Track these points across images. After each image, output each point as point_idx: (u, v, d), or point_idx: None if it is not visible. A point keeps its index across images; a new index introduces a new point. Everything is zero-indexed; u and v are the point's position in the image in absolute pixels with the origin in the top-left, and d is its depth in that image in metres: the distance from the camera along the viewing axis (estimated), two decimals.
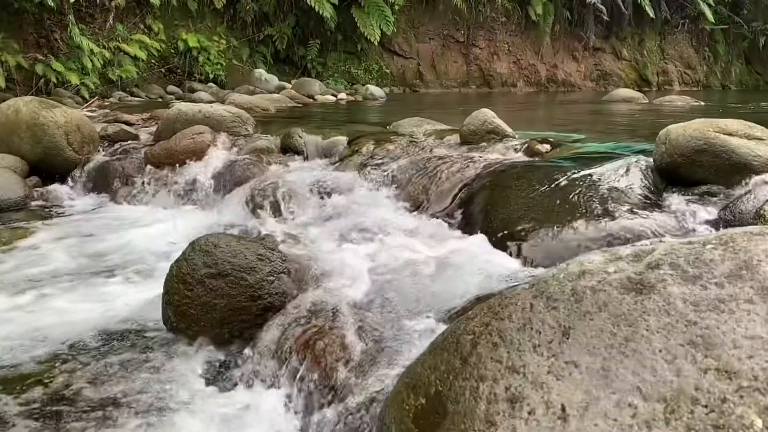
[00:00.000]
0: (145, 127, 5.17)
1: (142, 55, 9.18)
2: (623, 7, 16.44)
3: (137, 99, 8.69)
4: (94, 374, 1.78)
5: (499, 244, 2.31)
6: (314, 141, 4.01)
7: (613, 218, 2.21)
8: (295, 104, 8.15)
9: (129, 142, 4.59)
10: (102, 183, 4.10)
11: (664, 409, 0.98)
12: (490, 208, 2.53)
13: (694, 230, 2.15)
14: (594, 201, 2.34)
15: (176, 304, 1.94)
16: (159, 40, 9.69)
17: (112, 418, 1.57)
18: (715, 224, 2.13)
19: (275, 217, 3.18)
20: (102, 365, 1.84)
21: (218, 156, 3.93)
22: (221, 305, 1.90)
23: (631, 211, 2.24)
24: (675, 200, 2.32)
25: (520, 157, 3.15)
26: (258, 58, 11.46)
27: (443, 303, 1.83)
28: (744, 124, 2.37)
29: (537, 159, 3.08)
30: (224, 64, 10.49)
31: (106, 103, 7.82)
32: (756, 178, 2.24)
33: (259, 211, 3.25)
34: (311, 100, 9.34)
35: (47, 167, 4.18)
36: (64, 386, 1.72)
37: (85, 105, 7.49)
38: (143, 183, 3.95)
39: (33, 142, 4.11)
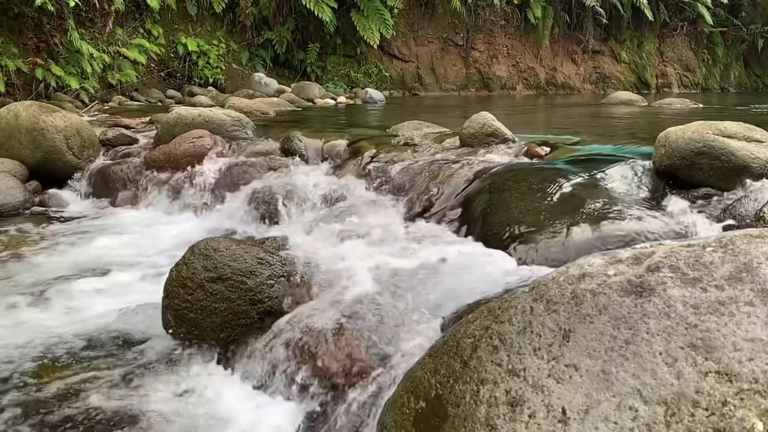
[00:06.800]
0: (145, 131, 5.17)
1: (142, 59, 9.19)
2: (622, 10, 16.47)
3: (137, 103, 8.70)
4: (93, 378, 1.78)
5: (499, 246, 2.30)
6: (314, 145, 4.01)
7: (613, 221, 2.21)
8: (295, 108, 8.16)
9: (129, 146, 4.60)
10: (102, 187, 4.10)
11: (665, 412, 0.98)
12: (489, 211, 2.52)
13: (693, 233, 2.15)
14: (594, 204, 2.34)
15: (176, 308, 1.94)
16: (158, 44, 9.71)
17: (111, 422, 1.57)
18: (714, 226, 2.13)
19: (275, 220, 3.18)
20: (102, 368, 1.84)
21: (218, 160, 3.93)
22: (221, 309, 1.90)
23: (630, 214, 2.24)
24: (674, 202, 2.32)
25: (519, 159, 3.15)
26: (257, 62, 11.48)
27: (443, 306, 1.83)
28: (743, 127, 2.37)
29: (536, 162, 3.08)
30: (224, 67, 10.50)
31: (106, 107, 7.82)
32: (755, 181, 2.24)
33: (258, 214, 3.25)
34: (310, 103, 9.35)
35: (47, 172, 4.18)
36: (61, 391, 1.71)
37: (85, 109, 7.50)
38: (143, 187, 3.95)
39: (33, 147, 4.12)
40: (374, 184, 3.31)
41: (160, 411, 1.62)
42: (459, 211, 2.72)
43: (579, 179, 2.55)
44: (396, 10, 12.25)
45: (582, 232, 2.19)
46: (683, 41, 19.42)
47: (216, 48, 10.48)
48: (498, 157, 3.21)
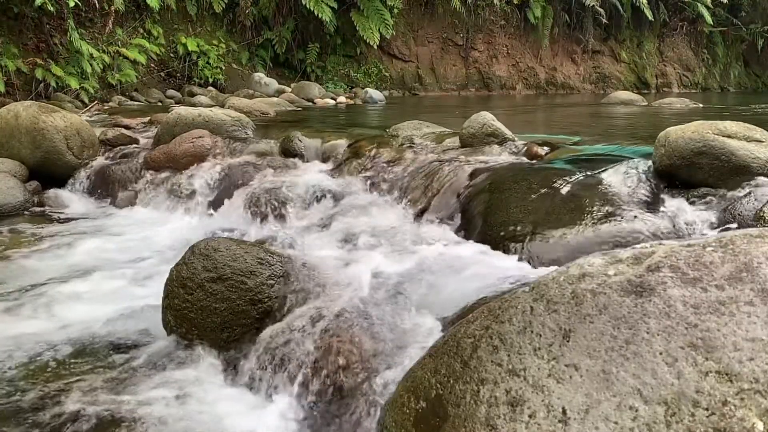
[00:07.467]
0: (145, 131, 5.17)
1: (142, 59, 9.19)
2: (622, 10, 16.47)
3: (137, 103, 8.70)
4: (93, 380, 1.78)
5: (499, 246, 2.31)
6: (314, 145, 4.01)
7: (613, 220, 2.21)
8: (295, 108, 8.16)
9: (129, 146, 4.60)
10: (102, 187, 4.10)
11: (665, 411, 0.98)
12: (489, 211, 2.53)
13: (693, 232, 2.15)
14: (594, 203, 2.34)
15: (176, 308, 1.94)
16: (158, 45, 9.71)
17: (111, 423, 1.57)
18: (714, 226, 2.14)
19: (275, 220, 3.18)
20: (101, 369, 1.84)
21: (218, 160, 3.93)
22: (221, 309, 1.90)
23: (630, 214, 2.24)
24: (675, 202, 2.32)
25: (519, 159, 3.15)
26: (257, 62, 11.48)
27: (443, 306, 1.83)
28: (743, 126, 2.37)
29: (536, 162, 3.08)
30: (224, 67, 10.50)
31: (106, 107, 7.83)
32: (755, 180, 2.24)
33: (258, 214, 3.25)
34: (310, 103, 9.35)
35: (47, 172, 4.18)
36: (61, 392, 1.71)
37: (85, 109, 7.50)
38: (143, 187, 3.95)
39: (33, 147, 4.12)
40: (374, 185, 3.31)
41: (158, 412, 1.62)
42: (459, 211, 2.72)
43: (579, 179, 2.55)
44: (396, 10, 12.25)
45: (582, 231, 2.19)
46: (683, 41, 19.42)
47: (216, 48, 10.49)
48: (498, 157, 3.21)
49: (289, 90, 10.13)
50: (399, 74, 13.60)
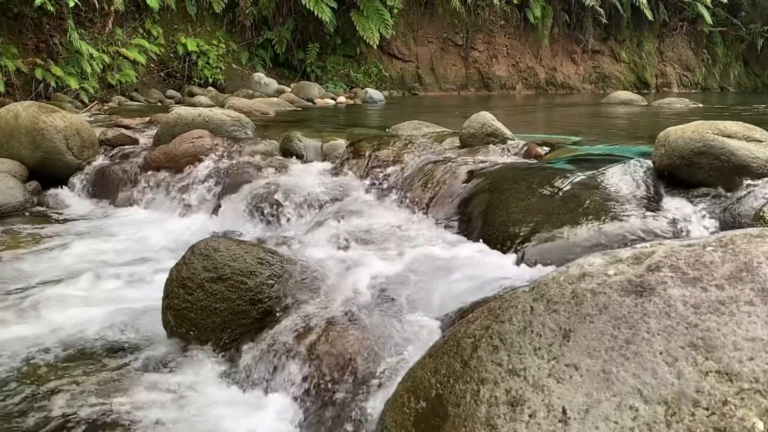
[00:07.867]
0: (145, 131, 5.17)
1: (142, 59, 9.19)
2: (621, 10, 16.48)
3: (137, 103, 8.70)
4: (90, 382, 1.78)
5: (499, 246, 2.31)
6: (314, 144, 4.01)
7: (613, 220, 2.21)
8: (295, 108, 8.16)
9: (129, 146, 4.60)
10: (102, 187, 4.10)
11: (665, 411, 0.98)
12: (489, 211, 2.52)
13: (693, 232, 2.15)
14: (593, 203, 2.34)
15: (176, 308, 1.94)
16: (158, 45, 9.70)
17: (109, 425, 1.57)
18: (714, 226, 2.14)
19: (275, 220, 3.18)
20: (98, 371, 1.84)
21: (218, 160, 3.93)
22: (221, 309, 1.90)
23: (630, 213, 2.24)
24: (674, 202, 2.32)
25: (519, 159, 3.15)
26: (257, 62, 11.48)
27: (443, 306, 1.83)
28: (743, 126, 2.37)
29: (536, 161, 3.08)
30: (223, 68, 10.50)
31: (106, 108, 7.82)
32: (755, 180, 2.24)
33: (258, 215, 3.25)
34: (310, 103, 9.35)
35: (47, 172, 4.18)
36: (56, 395, 1.70)
37: (85, 109, 7.49)
38: (143, 187, 3.95)
39: (32, 147, 4.12)
40: (374, 185, 3.31)
41: (157, 413, 1.62)
42: (459, 211, 2.72)
43: (579, 179, 2.55)
44: (396, 10, 12.25)
45: (582, 231, 2.19)
46: (683, 41, 19.42)
47: (216, 48, 10.48)
48: (498, 156, 3.21)
49: (289, 90, 10.13)
50: (399, 74, 13.60)
